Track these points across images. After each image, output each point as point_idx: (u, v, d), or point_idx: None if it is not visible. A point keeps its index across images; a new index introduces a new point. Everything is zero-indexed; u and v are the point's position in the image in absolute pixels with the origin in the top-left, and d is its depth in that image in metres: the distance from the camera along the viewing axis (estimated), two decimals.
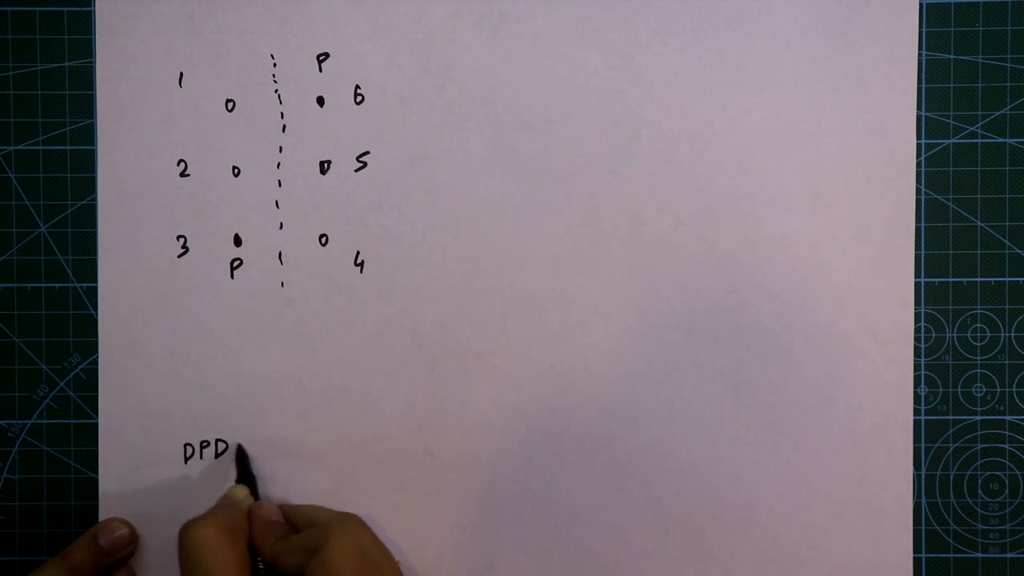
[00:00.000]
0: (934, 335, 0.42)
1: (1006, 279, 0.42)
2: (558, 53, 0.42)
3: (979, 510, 0.43)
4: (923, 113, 0.42)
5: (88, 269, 0.43)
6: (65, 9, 0.43)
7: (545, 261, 0.42)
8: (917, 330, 0.42)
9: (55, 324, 0.43)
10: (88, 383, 0.43)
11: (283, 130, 0.42)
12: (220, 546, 0.36)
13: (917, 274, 0.42)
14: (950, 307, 0.42)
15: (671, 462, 0.42)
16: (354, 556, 0.36)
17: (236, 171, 0.42)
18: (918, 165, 0.42)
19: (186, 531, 0.37)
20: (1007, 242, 0.42)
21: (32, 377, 0.43)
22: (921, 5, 0.42)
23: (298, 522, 0.40)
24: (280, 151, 0.42)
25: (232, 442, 0.42)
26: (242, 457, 0.42)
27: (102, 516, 0.42)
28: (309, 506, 0.41)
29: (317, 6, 0.42)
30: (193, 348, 0.42)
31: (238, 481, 0.42)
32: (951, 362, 0.42)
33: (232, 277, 0.43)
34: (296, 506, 0.41)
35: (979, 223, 0.42)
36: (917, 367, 0.42)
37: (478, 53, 0.42)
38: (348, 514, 0.40)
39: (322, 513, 0.40)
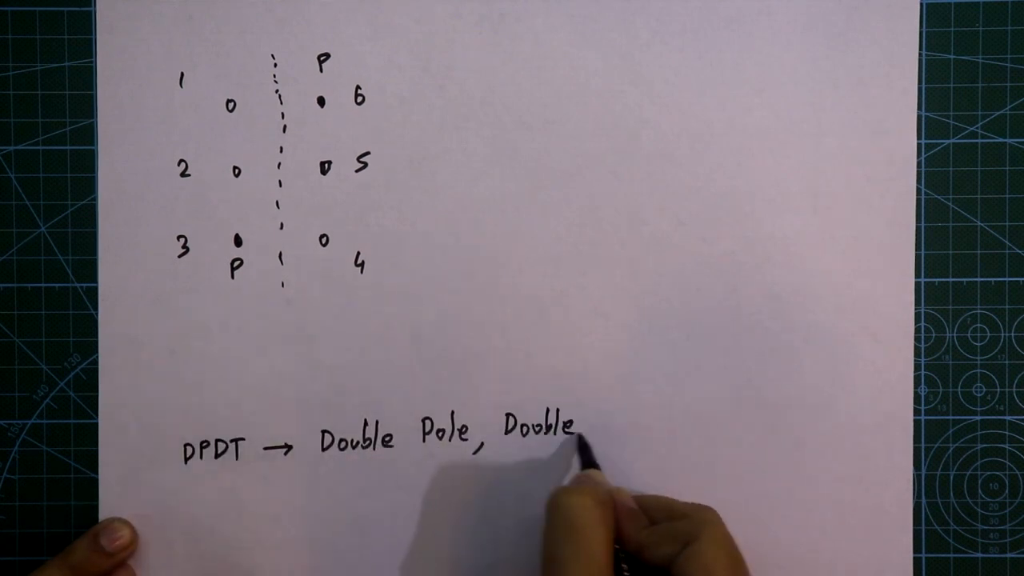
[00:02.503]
0: (934, 335, 0.42)
1: (1006, 279, 0.42)
2: (558, 53, 0.42)
3: (979, 510, 0.43)
4: (923, 113, 0.42)
5: (88, 269, 0.43)
6: (65, 9, 0.43)
7: (545, 261, 0.42)
8: (917, 330, 0.42)
9: (55, 324, 0.43)
10: (88, 383, 0.43)
11: (283, 130, 0.42)
12: (595, 519, 0.35)
13: (917, 274, 0.42)
14: (950, 307, 0.42)
15: (671, 462, 0.42)
16: (727, 552, 0.35)
17: (236, 171, 0.42)
18: (918, 165, 0.42)
19: (562, 497, 0.36)
20: (1007, 242, 0.42)
21: (32, 377, 0.43)
22: (921, 5, 0.42)
23: (654, 512, 0.38)
24: (280, 151, 0.42)
25: (230, 441, 0.42)
26: (584, 446, 0.41)
27: (102, 516, 0.42)
28: (662, 496, 0.39)
29: (317, 6, 0.42)
30: (193, 348, 0.42)
31: (584, 468, 0.41)
32: (951, 362, 0.42)
33: (232, 277, 0.43)
34: (648, 496, 0.39)
35: (979, 223, 0.42)
36: (917, 367, 0.42)
37: (478, 53, 0.42)
38: (708, 507, 0.37)
39: (681, 504, 0.38)
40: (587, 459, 0.41)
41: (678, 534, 0.35)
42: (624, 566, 0.36)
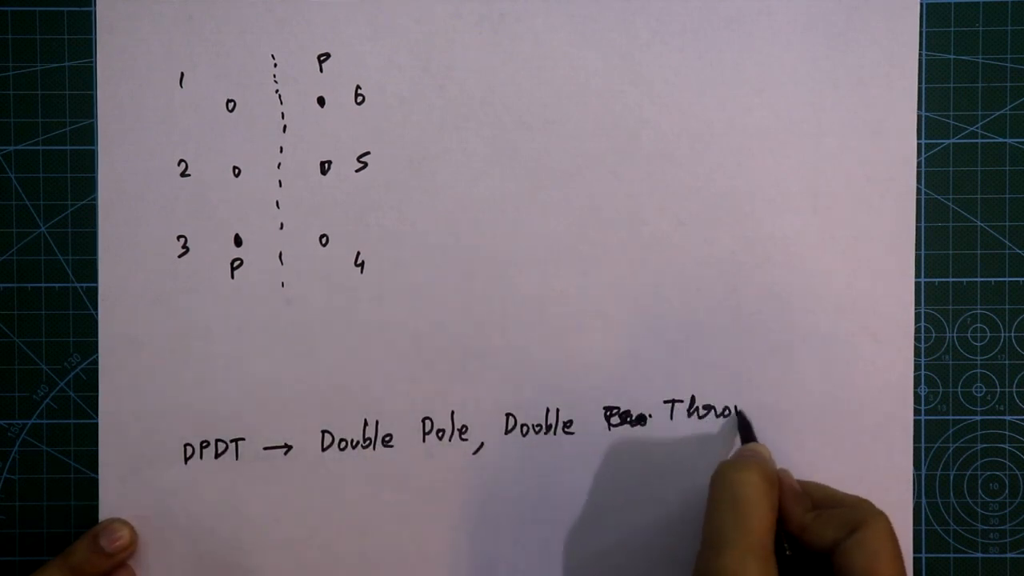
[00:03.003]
0: (934, 335, 0.42)
1: (1006, 279, 0.42)
2: (558, 53, 0.42)
3: (979, 510, 0.43)
4: (923, 113, 0.42)
5: (88, 269, 0.43)
6: (65, 9, 0.43)
7: (545, 261, 0.42)
8: (917, 330, 0.42)
9: (55, 324, 0.43)
10: (88, 383, 0.43)
11: (284, 130, 0.42)
12: (761, 493, 0.35)
13: (917, 274, 0.42)
14: (950, 307, 0.42)
15: (671, 462, 0.42)
16: (893, 544, 0.35)
17: (236, 171, 0.42)
18: (918, 165, 0.42)
19: (728, 470, 0.36)
20: (1007, 242, 0.42)
21: (32, 377, 0.43)
22: (921, 5, 0.42)
23: (816, 498, 0.38)
24: (280, 151, 0.42)
25: (230, 441, 0.42)
26: (745, 423, 0.41)
27: (102, 516, 0.42)
28: (823, 484, 0.39)
29: (317, 6, 0.42)
30: (193, 348, 0.42)
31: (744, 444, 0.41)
32: (951, 362, 0.42)
33: (232, 277, 0.43)
34: (810, 482, 0.39)
35: (979, 223, 0.42)
36: (917, 367, 0.42)
37: (478, 53, 0.42)
38: (870, 502, 0.37)
39: (843, 494, 0.38)
40: (748, 435, 0.41)
41: (845, 520, 0.35)
42: (786, 545, 0.36)
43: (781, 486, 0.37)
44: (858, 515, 0.35)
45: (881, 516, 0.35)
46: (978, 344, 0.43)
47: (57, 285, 0.43)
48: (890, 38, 0.42)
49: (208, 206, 0.42)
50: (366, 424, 0.42)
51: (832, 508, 0.37)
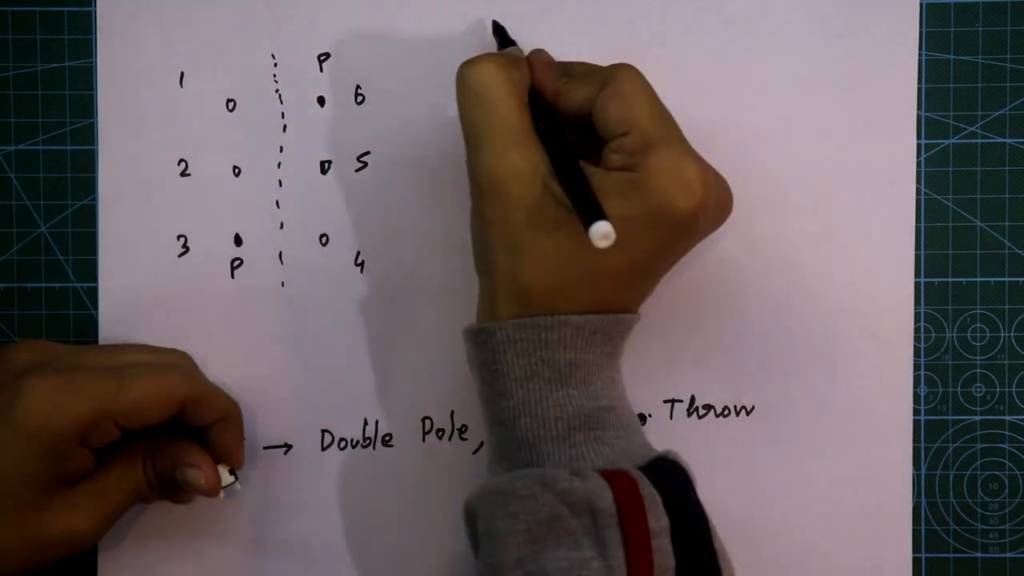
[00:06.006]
0: (934, 335, 0.42)
1: (1006, 279, 0.42)
2: (558, 53, 0.42)
3: (979, 510, 0.43)
4: (923, 113, 0.42)
5: (88, 269, 0.43)
6: (65, 9, 0.43)
7: None
8: (917, 330, 0.42)
9: (55, 324, 0.43)
10: None
11: (284, 130, 0.42)
12: (500, 80, 0.35)
13: (917, 274, 0.42)
14: (950, 307, 0.42)
15: None
16: (645, 88, 0.35)
17: (236, 171, 0.42)
18: (918, 165, 0.42)
19: (463, 70, 0.36)
20: (1007, 242, 0.42)
21: None
22: (921, 5, 0.42)
23: (577, 69, 0.38)
24: (281, 151, 0.42)
25: None
26: (499, 29, 0.41)
27: None
28: (584, 62, 0.39)
29: (318, 6, 0.42)
30: (193, 348, 0.42)
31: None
32: (951, 362, 0.42)
33: (232, 277, 0.43)
34: (572, 62, 0.39)
35: (979, 223, 0.42)
36: (917, 367, 0.42)
37: (478, 53, 0.42)
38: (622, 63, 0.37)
39: (599, 66, 0.38)
40: (504, 40, 0.40)
41: (596, 78, 0.36)
42: (541, 124, 0.36)
43: (534, 63, 0.37)
44: (607, 72, 0.36)
45: (630, 67, 0.36)
46: (978, 344, 0.43)
47: (57, 285, 0.43)
48: (890, 38, 0.42)
49: (208, 206, 0.42)
50: (366, 424, 0.42)
51: (588, 70, 0.37)
